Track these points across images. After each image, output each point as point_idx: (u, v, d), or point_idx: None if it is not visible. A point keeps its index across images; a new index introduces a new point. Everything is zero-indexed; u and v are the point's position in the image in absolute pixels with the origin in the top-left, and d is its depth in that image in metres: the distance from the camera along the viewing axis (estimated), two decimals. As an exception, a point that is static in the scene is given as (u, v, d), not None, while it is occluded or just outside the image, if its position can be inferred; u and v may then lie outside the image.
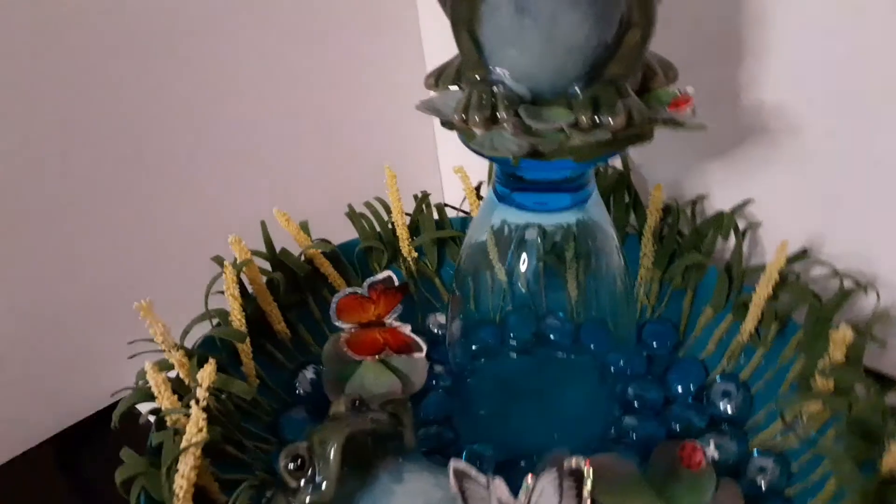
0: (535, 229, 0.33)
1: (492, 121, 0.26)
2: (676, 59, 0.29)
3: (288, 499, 0.27)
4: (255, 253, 0.37)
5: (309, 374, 0.38)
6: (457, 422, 0.37)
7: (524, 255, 0.34)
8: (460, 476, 0.25)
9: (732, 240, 0.38)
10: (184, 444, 0.27)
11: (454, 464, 0.25)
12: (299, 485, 0.27)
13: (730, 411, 0.36)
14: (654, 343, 0.40)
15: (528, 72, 0.26)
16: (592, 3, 0.24)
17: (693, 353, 0.39)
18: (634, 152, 0.43)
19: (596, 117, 0.26)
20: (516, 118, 0.26)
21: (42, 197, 0.37)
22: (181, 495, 0.26)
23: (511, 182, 0.30)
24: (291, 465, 0.27)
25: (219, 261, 0.36)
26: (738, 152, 0.39)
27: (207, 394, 0.28)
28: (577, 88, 0.27)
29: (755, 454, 0.33)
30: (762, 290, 0.35)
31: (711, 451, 0.31)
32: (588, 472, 0.25)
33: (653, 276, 0.41)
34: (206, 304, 0.34)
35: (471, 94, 0.27)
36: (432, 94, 0.30)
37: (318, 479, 0.27)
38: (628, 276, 0.35)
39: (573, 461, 0.25)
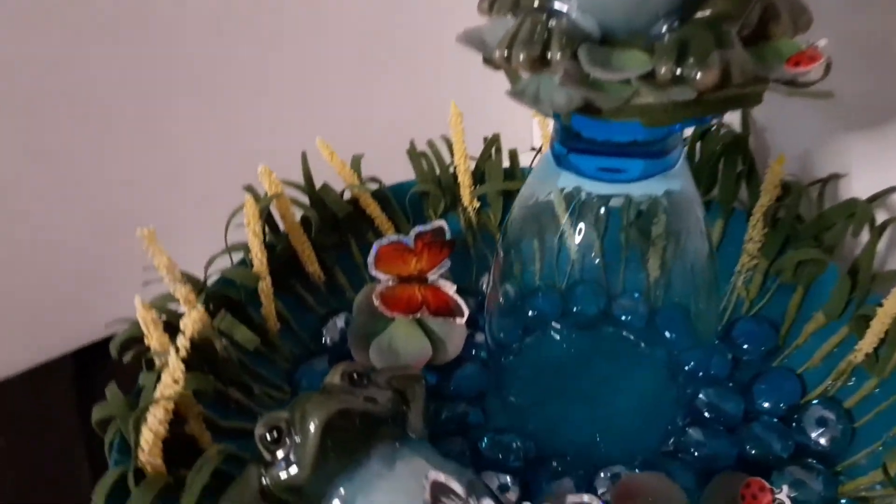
0: (601, 199, 0.27)
1: (541, 61, 0.20)
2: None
3: (261, 471, 0.24)
4: (291, 185, 0.34)
5: (339, 322, 0.35)
6: (489, 403, 0.32)
7: (585, 224, 0.28)
8: (438, 490, 0.21)
9: (866, 236, 0.31)
10: (157, 394, 0.24)
11: (433, 475, 0.21)
12: (274, 459, 0.24)
13: (823, 443, 0.29)
14: (745, 345, 0.33)
15: (588, 6, 0.20)
16: None
17: (791, 365, 0.32)
18: (758, 112, 0.35)
19: (679, 69, 0.19)
20: (572, 61, 0.20)
21: (77, 116, 0.35)
22: (146, 449, 0.24)
23: (569, 140, 0.24)
24: (268, 437, 0.24)
25: (251, 190, 0.32)
26: (892, 126, 0.30)
27: (189, 343, 0.25)
28: (663, 27, 0.20)
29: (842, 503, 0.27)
30: (892, 303, 0.27)
31: (784, 496, 0.25)
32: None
33: (757, 264, 0.33)
34: (226, 237, 0.31)
35: (521, 24, 0.21)
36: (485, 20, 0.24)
37: (293, 457, 0.23)
38: (715, 263, 0.29)
39: (588, 497, 0.21)
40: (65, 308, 0.35)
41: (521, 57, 0.20)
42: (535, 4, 0.21)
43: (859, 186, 0.32)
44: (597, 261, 0.34)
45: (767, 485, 0.25)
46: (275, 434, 0.24)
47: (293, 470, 0.23)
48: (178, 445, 0.26)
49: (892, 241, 0.32)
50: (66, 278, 0.36)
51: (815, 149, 0.33)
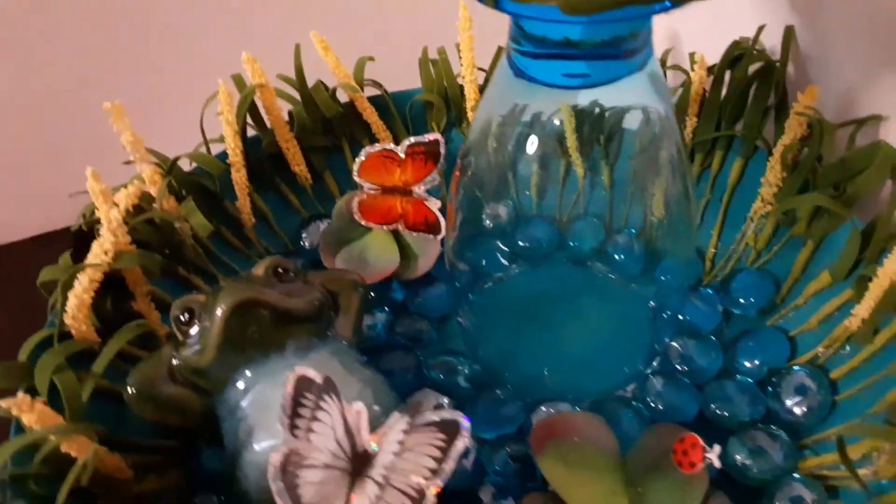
0: (549, 110, 0.24)
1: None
2: None
3: (172, 352, 0.24)
4: (282, 78, 0.33)
5: (322, 226, 0.34)
6: (449, 326, 0.31)
7: (535, 142, 0.25)
8: (303, 386, 0.20)
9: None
10: (89, 259, 0.25)
11: (299, 370, 0.20)
12: (185, 339, 0.24)
13: (797, 413, 0.26)
14: (741, 298, 0.30)
15: None
16: None
17: (786, 326, 0.28)
18: (803, 39, 0.31)
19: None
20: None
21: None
22: (71, 310, 0.24)
23: (518, 39, 0.22)
24: (182, 316, 0.24)
25: (237, 80, 0.32)
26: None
27: (122, 217, 0.25)
28: None
29: (796, 478, 0.24)
30: (893, 263, 0.23)
31: (714, 456, 0.22)
32: (465, 429, 0.19)
33: (770, 211, 0.30)
34: (202, 124, 0.31)
35: None
36: None
37: (199, 339, 0.23)
38: (688, 188, 0.26)
39: (450, 412, 0.19)
40: (67, 182, 0.37)
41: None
42: None
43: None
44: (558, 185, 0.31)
45: (701, 442, 0.22)
46: (186, 315, 0.24)
47: (198, 352, 0.23)
48: (125, 321, 0.27)
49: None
50: (69, 156, 0.37)
51: (861, 85, 0.29)
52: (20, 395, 0.20)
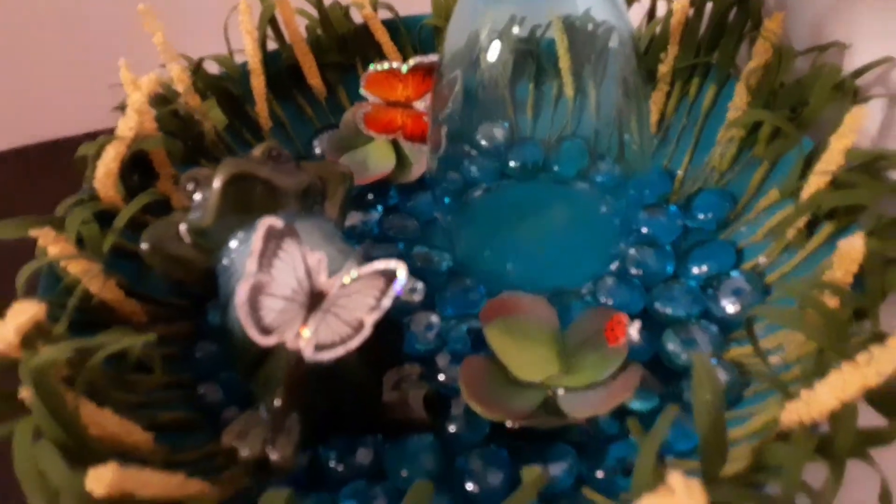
0: (510, 23, 0.27)
1: None
2: None
3: (182, 215, 0.28)
4: (304, -1, 0.36)
5: (331, 134, 0.38)
6: (434, 227, 0.34)
7: (498, 52, 0.28)
8: (272, 234, 0.23)
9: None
10: (117, 133, 0.29)
11: (271, 221, 0.24)
12: (191, 205, 0.28)
13: (730, 311, 0.28)
14: (700, 214, 0.32)
15: None
16: None
17: (736, 239, 0.31)
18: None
19: None
20: None
21: None
22: (99, 176, 0.29)
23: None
24: (189, 186, 0.28)
25: (261, -4, 0.36)
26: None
27: (146, 97, 0.29)
28: None
29: (714, 362, 0.26)
30: (818, 176, 0.25)
31: (635, 331, 0.25)
32: (401, 276, 0.22)
33: (734, 134, 0.32)
34: (226, 33, 0.35)
35: None
36: None
37: (202, 204, 0.27)
38: (642, 103, 0.28)
39: (391, 264, 0.23)
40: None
41: None
42: None
43: (864, 57, 0.29)
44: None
45: (626, 319, 0.25)
46: (192, 184, 0.28)
47: (200, 215, 0.27)
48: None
49: (888, 120, 0.29)
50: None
51: (832, 15, 0.30)
52: (48, 228, 0.25)
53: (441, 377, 0.28)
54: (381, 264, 0.23)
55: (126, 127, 0.29)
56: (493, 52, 0.30)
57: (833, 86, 0.28)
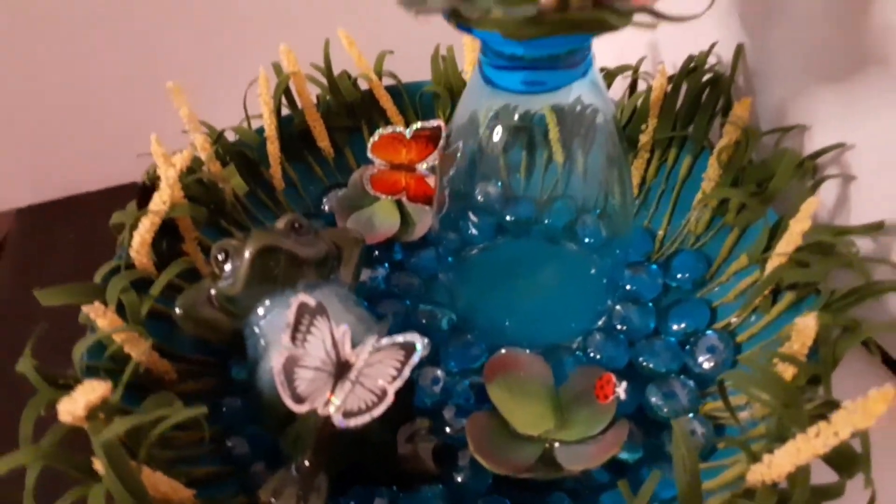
0: (512, 110, 0.30)
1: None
2: None
3: (211, 283, 0.31)
4: (314, 67, 0.39)
5: (340, 194, 0.41)
6: (437, 283, 0.37)
7: (499, 131, 0.31)
8: (302, 309, 0.26)
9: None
10: (150, 207, 0.32)
11: (301, 297, 0.27)
12: (221, 274, 0.31)
13: (706, 367, 0.32)
14: (679, 274, 0.35)
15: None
16: None
17: (711, 298, 0.34)
18: (752, 54, 0.36)
19: (528, -11, 0.22)
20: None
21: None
22: (136, 246, 0.31)
23: (495, 59, 0.28)
24: (219, 255, 0.31)
25: (275, 68, 0.39)
26: (850, 88, 0.30)
27: (178, 174, 0.32)
28: (537, -50, 0.23)
29: (693, 417, 0.30)
30: (782, 247, 0.29)
31: (622, 390, 0.28)
32: (419, 348, 0.25)
33: (708, 202, 0.35)
34: (245, 101, 0.38)
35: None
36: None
37: (232, 274, 0.30)
38: (626, 172, 0.32)
39: (410, 337, 0.26)
40: (133, 143, 0.44)
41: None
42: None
43: (822, 139, 0.32)
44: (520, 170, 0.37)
45: (614, 379, 0.28)
46: (223, 254, 0.31)
47: (230, 284, 0.30)
48: (176, 258, 0.34)
49: (842, 197, 0.32)
50: (137, 119, 0.44)
51: (791, 96, 0.34)
52: (97, 304, 0.28)
53: (448, 429, 0.31)
54: (401, 337, 0.26)
55: (160, 200, 0.32)
56: (490, 127, 0.33)
57: (795, 165, 0.31)
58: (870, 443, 0.22)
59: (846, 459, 0.22)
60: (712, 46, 0.36)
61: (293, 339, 0.26)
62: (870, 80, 0.30)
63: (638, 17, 0.23)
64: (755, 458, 0.23)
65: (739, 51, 0.35)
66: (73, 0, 0.42)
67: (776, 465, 0.22)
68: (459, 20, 0.24)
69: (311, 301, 0.26)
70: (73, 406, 0.23)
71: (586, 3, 0.22)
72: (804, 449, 0.21)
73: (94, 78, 0.44)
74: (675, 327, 0.34)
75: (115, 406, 0.25)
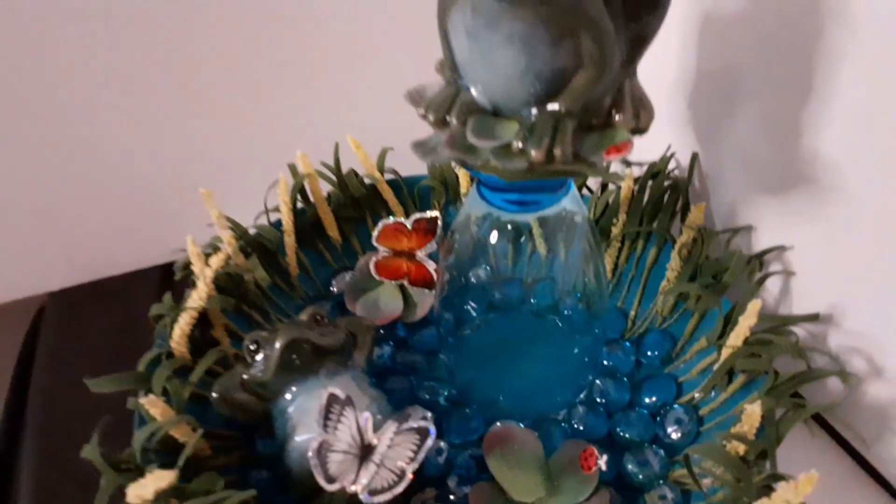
0: (504, 220, 0.35)
1: (444, 122, 0.29)
2: (750, 79, 0.29)
3: (243, 370, 0.35)
4: (325, 166, 0.44)
5: (346, 277, 0.45)
6: (437, 359, 0.42)
7: (490, 230, 0.36)
8: (332, 400, 0.31)
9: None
10: (187, 304, 0.36)
11: (331, 389, 0.31)
12: (253, 362, 0.35)
13: (674, 437, 0.37)
14: (649, 351, 0.41)
15: (482, 88, 0.29)
16: (526, 43, 0.26)
17: (676, 374, 0.39)
18: (706, 161, 0.42)
19: (522, 145, 0.27)
20: (461, 127, 0.29)
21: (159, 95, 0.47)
22: (176, 338, 0.36)
23: (482, 183, 0.33)
24: (251, 346, 0.35)
25: (292, 169, 0.43)
26: (789, 196, 0.36)
27: (213, 274, 0.37)
28: (531, 111, 0.28)
29: (662, 483, 0.35)
30: (732, 340, 0.34)
31: (603, 462, 0.33)
32: (432, 434, 0.30)
33: (672, 289, 0.40)
34: (265, 201, 0.42)
35: (439, 93, 0.30)
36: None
37: (263, 363, 0.34)
38: (600, 264, 0.37)
39: (424, 421, 0.30)
40: (157, 230, 0.48)
41: (432, 117, 0.29)
42: (452, 80, 0.30)
43: (765, 239, 0.38)
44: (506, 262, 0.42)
45: (596, 453, 0.33)
46: (254, 345, 0.35)
47: (262, 371, 0.35)
48: (208, 344, 0.38)
49: (784, 289, 0.38)
50: (161, 209, 0.49)
51: (740, 201, 0.40)
52: (151, 396, 0.32)
53: (451, 497, 0.35)
54: (415, 423, 0.31)
55: (198, 297, 0.36)
56: (483, 227, 0.38)
57: (744, 263, 0.37)
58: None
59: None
60: (672, 156, 0.42)
61: (325, 426, 0.30)
62: (803, 190, 0.36)
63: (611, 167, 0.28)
64: (714, 524, 0.28)
65: (694, 158, 0.41)
66: (108, 94, 0.46)
67: (731, 531, 0.27)
68: (465, 166, 0.29)
69: (340, 393, 0.31)
70: (143, 491, 0.27)
71: (568, 158, 0.27)
72: (752, 519, 0.26)
73: (125, 169, 0.48)
74: (647, 400, 0.39)
75: (174, 488, 0.29)
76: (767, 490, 0.28)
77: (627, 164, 0.29)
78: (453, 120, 0.29)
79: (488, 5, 0.25)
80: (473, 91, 0.29)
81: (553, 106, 0.28)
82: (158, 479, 0.27)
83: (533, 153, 0.27)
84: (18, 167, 0.46)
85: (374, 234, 0.44)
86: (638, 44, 0.29)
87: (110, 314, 0.46)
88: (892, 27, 0.29)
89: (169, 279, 0.50)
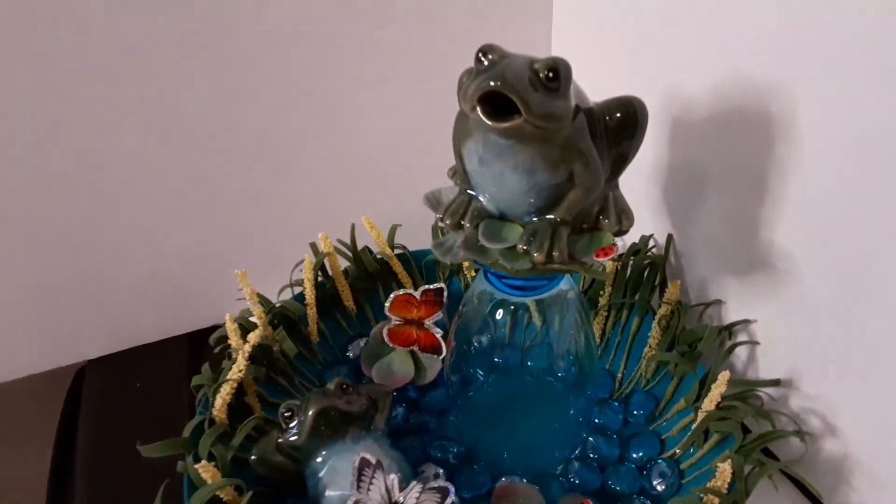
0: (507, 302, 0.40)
1: (458, 226, 0.35)
2: (714, 176, 0.35)
3: (278, 435, 0.40)
4: (342, 244, 0.50)
5: (361, 343, 0.50)
6: (446, 418, 0.47)
7: (504, 312, 0.42)
8: (364, 464, 0.36)
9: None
10: (226, 377, 0.41)
11: (362, 453, 0.36)
12: (287, 428, 0.40)
13: (659, 489, 0.41)
14: (635, 410, 0.46)
15: (490, 198, 0.34)
16: (529, 170, 0.31)
17: (659, 431, 0.44)
18: (680, 242, 0.47)
19: (525, 248, 0.33)
20: (474, 231, 0.34)
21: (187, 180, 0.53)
22: (217, 407, 0.40)
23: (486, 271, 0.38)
24: (286, 413, 0.40)
25: (313, 247, 0.49)
26: (751, 276, 0.42)
27: (250, 349, 0.41)
28: (531, 218, 0.34)
29: (649, 531, 0.39)
30: (706, 405, 0.39)
31: (598, 515, 0.38)
32: (451, 493, 0.35)
33: (653, 357, 0.46)
34: (291, 277, 0.47)
35: (454, 200, 0.35)
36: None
37: (297, 428, 0.39)
38: (590, 333, 0.42)
39: (443, 482, 0.35)
40: (187, 300, 0.53)
41: (448, 221, 0.35)
42: (464, 190, 0.35)
43: (733, 312, 0.44)
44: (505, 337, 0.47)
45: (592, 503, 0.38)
46: (289, 412, 0.40)
47: (295, 437, 0.39)
48: (240, 409, 0.43)
49: (751, 356, 0.43)
50: (190, 283, 0.54)
51: (710, 277, 0.45)
52: (204, 462, 0.36)
53: (465, 546, 0.40)
54: (435, 483, 0.35)
55: (237, 369, 0.41)
56: (485, 304, 0.44)
57: (715, 334, 0.42)
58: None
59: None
60: (650, 236, 0.48)
61: (358, 487, 0.35)
62: (763, 272, 0.41)
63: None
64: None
65: (670, 240, 0.47)
66: (149, 183, 0.51)
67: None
68: (477, 263, 0.35)
69: (371, 458, 0.36)
70: (206, 548, 0.31)
71: (564, 259, 0.33)
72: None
73: (155, 249, 0.53)
74: (634, 455, 0.44)
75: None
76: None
77: (613, 259, 0.34)
78: (467, 224, 0.34)
79: (497, 141, 0.31)
80: (482, 198, 0.35)
81: (550, 215, 0.34)
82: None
83: (535, 255, 0.32)
84: (61, 248, 0.50)
85: (387, 304, 0.49)
86: (619, 162, 0.34)
87: (144, 378, 0.51)
88: (825, 145, 0.35)
89: (196, 346, 0.54)
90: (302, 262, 0.47)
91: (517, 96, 0.28)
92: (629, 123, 0.33)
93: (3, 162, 0.46)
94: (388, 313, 0.50)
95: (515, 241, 0.33)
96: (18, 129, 0.45)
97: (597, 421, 0.46)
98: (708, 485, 0.36)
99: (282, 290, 0.49)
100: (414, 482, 0.36)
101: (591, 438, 0.45)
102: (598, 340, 0.49)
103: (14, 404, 0.51)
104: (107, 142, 0.48)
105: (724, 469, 0.35)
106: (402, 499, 0.35)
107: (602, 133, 0.33)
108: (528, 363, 0.48)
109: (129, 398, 0.50)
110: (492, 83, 0.28)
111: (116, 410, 0.49)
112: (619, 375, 0.48)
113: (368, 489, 0.35)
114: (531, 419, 0.46)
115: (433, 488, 0.35)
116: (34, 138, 0.46)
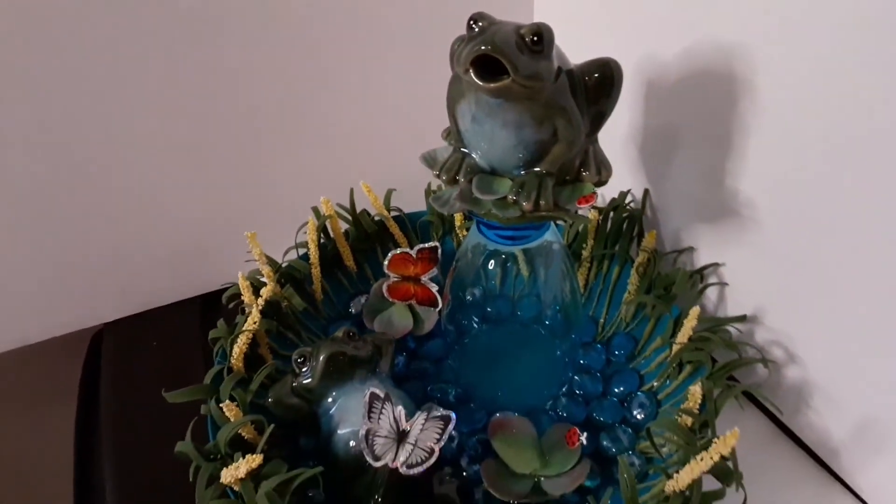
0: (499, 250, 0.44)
1: (454, 181, 0.38)
2: (685, 134, 0.39)
3: (292, 379, 0.44)
4: (342, 207, 0.53)
5: (362, 300, 0.54)
6: (443, 364, 0.51)
7: (495, 262, 0.45)
8: (373, 397, 0.40)
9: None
10: (241, 328, 0.44)
11: (371, 389, 0.40)
12: (300, 372, 0.43)
13: (639, 418, 0.46)
14: (616, 350, 0.50)
15: (482, 154, 0.38)
16: (517, 127, 0.35)
17: (638, 367, 0.49)
18: (655, 196, 0.51)
19: (515, 198, 0.37)
20: (468, 185, 0.38)
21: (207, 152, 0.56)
22: (235, 355, 0.44)
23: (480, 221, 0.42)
24: (298, 359, 0.43)
25: (315, 211, 0.52)
26: (720, 225, 0.46)
27: (264, 302, 0.45)
28: (520, 171, 0.38)
29: (631, 453, 0.44)
30: (679, 338, 0.44)
31: (583, 439, 0.42)
32: (453, 420, 0.39)
33: (632, 301, 0.50)
34: (296, 238, 0.51)
35: (448, 157, 0.39)
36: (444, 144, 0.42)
37: (309, 373, 0.43)
38: (574, 282, 0.46)
39: (445, 412, 0.39)
40: (198, 264, 0.56)
41: (444, 177, 0.38)
42: (458, 148, 0.39)
43: (705, 256, 0.48)
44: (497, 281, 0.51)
45: (578, 432, 0.42)
46: (301, 359, 0.43)
47: (308, 380, 0.43)
48: (254, 359, 0.46)
49: (721, 297, 0.48)
50: (203, 245, 0.57)
51: (682, 227, 0.49)
52: (227, 402, 0.40)
53: (464, 473, 0.44)
54: (439, 412, 0.39)
55: (252, 321, 0.44)
56: (478, 255, 0.48)
57: (687, 278, 0.46)
58: (737, 462, 0.36)
59: (724, 473, 0.37)
60: (628, 192, 0.52)
61: (369, 417, 0.39)
62: (730, 220, 0.45)
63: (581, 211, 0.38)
64: (669, 477, 0.37)
65: (646, 194, 0.51)
66: (161, 153, 0.54)
67: (681, 480, 0.36)
68: (472, 214, 0.38)
69: (380, 392, 0.40)
70: (236, 472, 0.35)
71: (550, 207, 0.36)
72: (696, 468, 0.35)
73: (168, 215, 0.56)
74: (616, 390, 0.48)
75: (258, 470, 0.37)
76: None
77: (594, 207, 0.38)
78: (462, 179, 0.38)
79: (488, 101, 0.34)
80: (474, 155, 0.38)
81: (537, 168, 0.37)
82: (249, 462, 0.35)
83: (524, 204, 0.36)
84: (79, 219, 0.53)
85: (385, 262, 0.53)
86: (598, 118, 0.38)
87: (160, 338, 0.54)
88: (786, 99, 0.39)
89: (208, 307, 0.58)
90: (305, 224, 0.51)
91: (506, 59, 0.32)
92: (606, 83, 0.37)
93: (20, 130, 0.49)
94: (386, 271, 0.53)
95: (506, 193, 0.37)
96: (37, 96, 0.48)
97: (582, 362, 0.50)
98: (682, 407, 0.40)
99: (287, 252, 0.52)
100: (418, 412, 0.39)
101: (576, 377, 0.49)
102: (581, 289, 0.53)
103: (37, 365, 0.55)
104: (119, 110, 0.51)
105: (695, 391, 0.40)
106: (408, 427, 0.39)
107: (582, 92, 0.36)
108: (518, 312, 0.52)
109: (147, 356, 0.53)
110: (483, 47, 0.32)
111: (135, 368, 0.52)
112: (602, 320, 0.52)
113: (379, 419, 0.39)
114: (522, 362, 0.50)
115: (436, 416, 0.39)
116: (50, 105, 0.49)
